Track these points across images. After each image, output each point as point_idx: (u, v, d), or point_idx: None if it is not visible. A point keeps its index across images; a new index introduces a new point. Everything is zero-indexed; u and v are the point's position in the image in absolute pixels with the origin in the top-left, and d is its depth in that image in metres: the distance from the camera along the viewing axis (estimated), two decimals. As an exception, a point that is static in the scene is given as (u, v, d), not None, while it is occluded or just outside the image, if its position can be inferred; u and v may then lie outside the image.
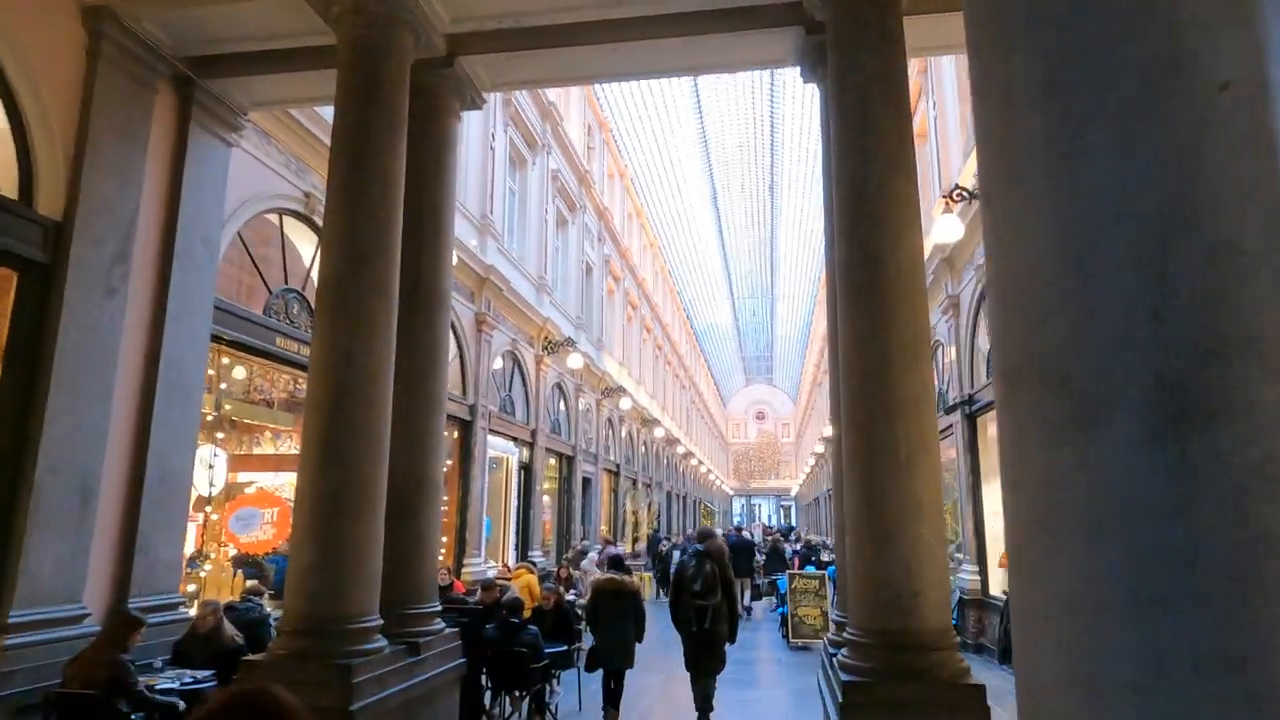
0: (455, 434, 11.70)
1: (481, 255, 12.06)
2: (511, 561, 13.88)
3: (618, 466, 22.60)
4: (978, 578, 10.30)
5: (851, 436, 4.06)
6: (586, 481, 19.04)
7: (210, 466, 6.83)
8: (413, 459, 5.19)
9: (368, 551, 4.43)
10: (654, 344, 30.71)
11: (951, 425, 11.22)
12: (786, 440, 64.83)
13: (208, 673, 4.84)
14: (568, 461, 17.57)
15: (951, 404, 10.98)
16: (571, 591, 11.03)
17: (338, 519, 4.34)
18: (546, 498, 16.98)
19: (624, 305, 24.72)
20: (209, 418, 6.93)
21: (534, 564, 11.30)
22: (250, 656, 4.42)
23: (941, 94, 13.92)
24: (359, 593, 4.36)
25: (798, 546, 22.48)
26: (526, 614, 7.25)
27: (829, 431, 28.03)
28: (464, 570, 11.35)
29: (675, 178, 32.36)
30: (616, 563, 7.98)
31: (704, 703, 6.39)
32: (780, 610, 12.13)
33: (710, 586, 6.26)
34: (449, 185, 5.81)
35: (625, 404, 21.39)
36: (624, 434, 23.58)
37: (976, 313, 10.50)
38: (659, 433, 27.63)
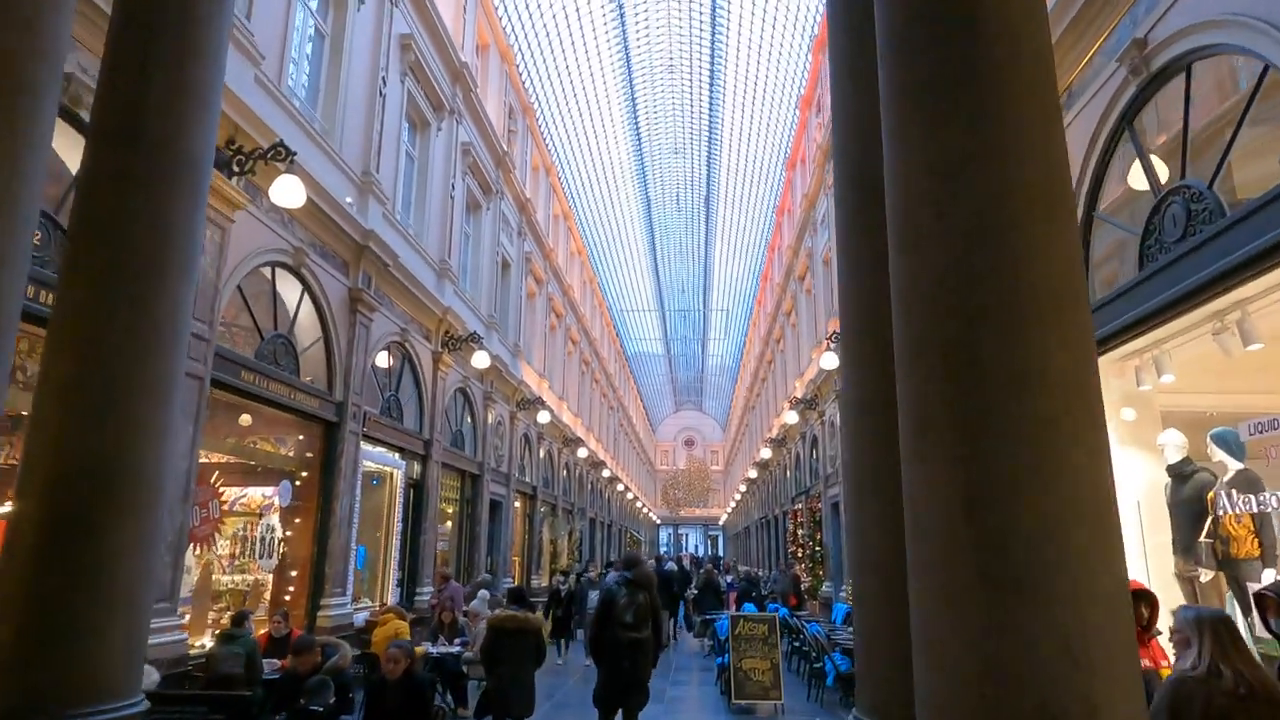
0: (315, 437, 9.22)
1: (360, 218, 9.72)
2: (394, 600, 11.37)
3: (534, 489, 20.17)
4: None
5: (926, 369, 1.99)
6: (495, 505, 16.58)
7: None
8: (96, 436, 2.87)
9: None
10: (580, 358, 28.50)
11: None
12: (716, 468, 63.19)
13: None
14: (473, 480, 15.12)
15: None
16: (457, 641, 8.63)
17: None
18: (449, 523, 14.50)
19: (547, 312, 22.48)
20: None
21: (404, 608, 8.85)
22: None
23: None
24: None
25: (729, 579, 20.46)
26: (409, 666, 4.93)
27: (766, 454, 26.25)
28: (322, 614, 8.83)
29: (607, 182, 30.61)
30: (518, 597, 6.73)
31: None
32: (719, 660, 9.97)
33: (643, 618, 5.90)
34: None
35: (543, 418, 19.07)
36: (542, 454, 21.21)
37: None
38: (582, 453, 25.32)
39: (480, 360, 13.21)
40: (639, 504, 47.11)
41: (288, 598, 8.61)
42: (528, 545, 19.99)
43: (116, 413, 2.92)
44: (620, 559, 12.44)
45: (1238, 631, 2.57)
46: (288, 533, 8.78)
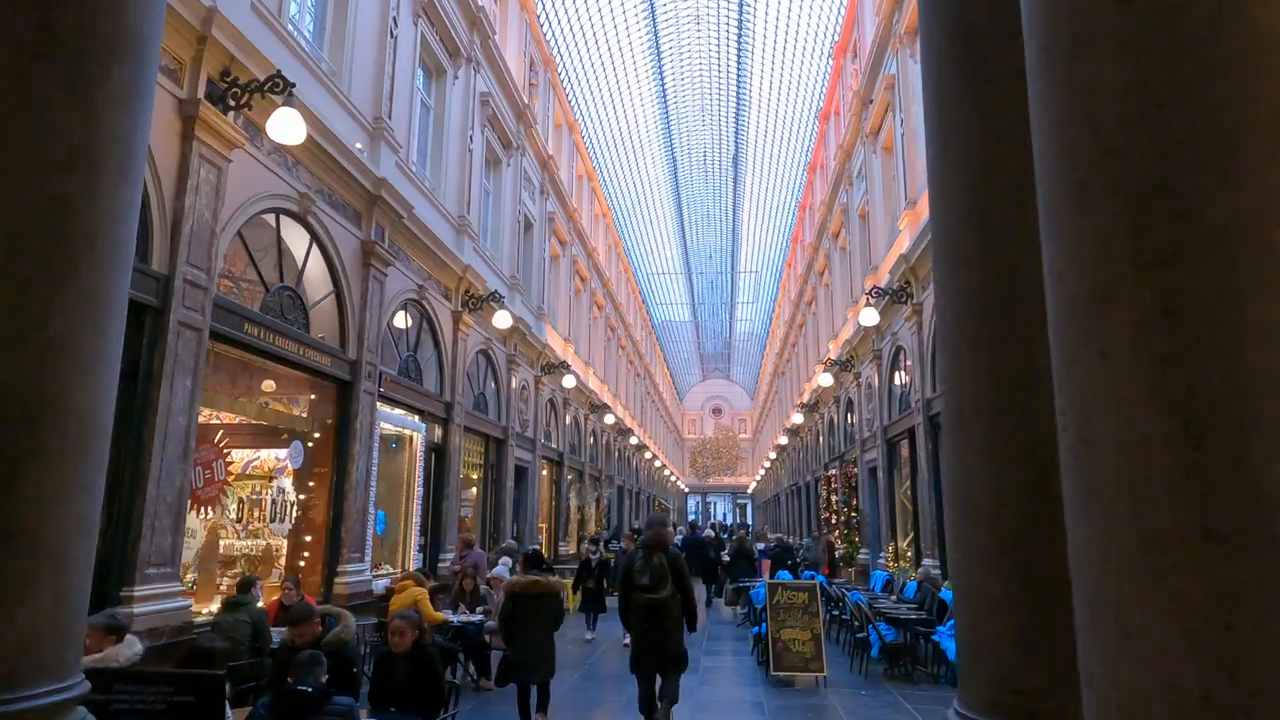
0: (329, 397, 8.77)
1: (372, 166, 9.16)
2: (415, 567, 11.02)
3: (561, 456, 19.77)
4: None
5: (1101, 228, 1.36)
6: (521, 471, 16.19)
7: None
8: (8, 363, 2.34)
9: None
10: (606, 323, 27.95)
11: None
12: (744, 437, 62.64)
13: None
14: (497, 445, 14.70)
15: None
16: (480, 609, 8.21)
17: None
18: (474, 489, 14.14)
19: (571, 274, 21.90)
20: None
21: (425, 575, 8.43)
22: None
23: (909, 108, 12.09)
24: None
25: (761, 546, 19.99)
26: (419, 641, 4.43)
27: (798, 419, 25.59)
28: (339, 581, 8.45)
29: (631, 143, 29.78)
30: (536, 561, 6.73)
31: (671, 700, 5.80)
32: (755, 630, 9.48)
33: (659, 579, 5.80)
34: None
35: (569, 382, 18.57)
36: (569, 420, 20.76)
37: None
38: (609, 420, 24.87)
39: (502, 320, 12.69)
40: (667, 472, 46.85)
41: (302, 564, 8.24)
42: (554, 512, 19.66)
43: (35, 335, 2.39)
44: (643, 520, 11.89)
45: None
46: (301, 496, 8.39)
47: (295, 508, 8.24)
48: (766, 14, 22.66)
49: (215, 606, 6.70)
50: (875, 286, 12.55)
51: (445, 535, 11.80)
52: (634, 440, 31.53)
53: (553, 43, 20.31)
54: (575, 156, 22.95)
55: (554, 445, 19.23)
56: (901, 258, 11.64)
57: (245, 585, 6.09)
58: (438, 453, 11.77)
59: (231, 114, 6.52)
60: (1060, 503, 1.85)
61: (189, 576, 6.85)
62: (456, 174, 12.68)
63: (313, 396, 8.73)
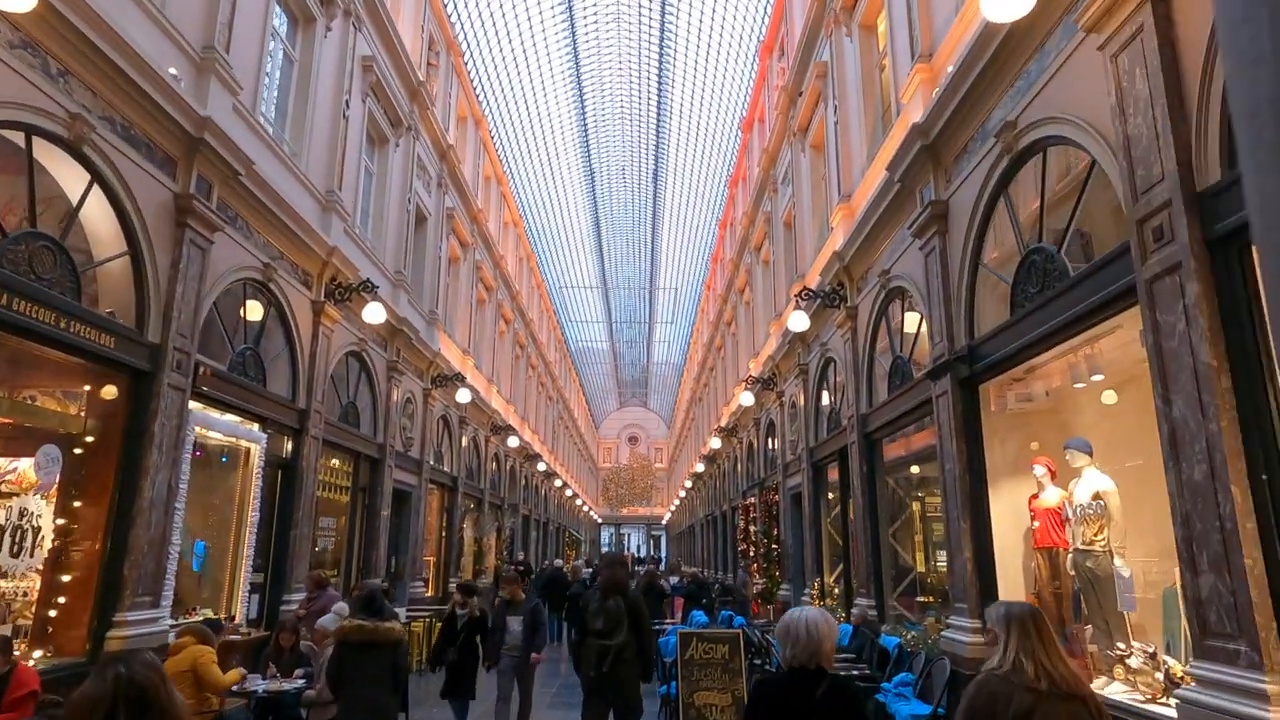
0: (117, 390, 6.67)
1: (196, 103, 7.21)
2: (248, 612, 8.90)
3: (454, 480, 17.65)
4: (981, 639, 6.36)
5: None
6: (403, 495, 14.08)
7: None
8: None
9: None
10: (514, 339, 26.01)
11: (929, 399, 7.33)
12: (659, 466, 61.17)
13: None
14: (371, 465, 12.60)
15: (937, 362, 7.01)
16: (299, 673, 6.19)
17: None
18: (341, 517, 12.00)
19: (473, 281, 19.98)
20: None
21: (217, 623, 6.37)
22: None
23: (844, 94, 10.97)
24: None
25: (674, 580, 18.35)
26: None
27: (716, 443, 24.20)
28: (114, 633, 6.30)
29: (547, 153, 28.26)
30: (369, 603, 5.38)
31: None
32: (663, 689, 7.75)
33: (613, 623, 5.51)
34: None
35: (464, 397, 16.59)
36: (465, 441, 18.69)
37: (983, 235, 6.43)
38: (513, 443, 22.85)
39: (373, 314, 10.70)
40: (579, 501, 44.76)
41: (54, 612, 6.06)
42: (446, 544, 17.48)
43: None
44: (602, 559, 10.52)
45: (1046, 626, 2.47)
46: (62, 520, 6.23)
47: (50, 537, 6.08)
48: (689, 16, 21.66)
49: None
50: (805, 289, 11.23)
51: (293, 572, 9.66)
52: (542, 467, 29.49)
53: (459, 27, 18.65)
54: (482, 155, 21.18)
55: (446, 469, 17.13)
56: (835, 256, 10.37)
57: (-102, 653, 4.02)
58: (286, 470, 9.67)
59: (-66, -30, 4.57)
60: None
61: None
62: (326, 141, 10.76)
63: (87, 388, 6.61)
